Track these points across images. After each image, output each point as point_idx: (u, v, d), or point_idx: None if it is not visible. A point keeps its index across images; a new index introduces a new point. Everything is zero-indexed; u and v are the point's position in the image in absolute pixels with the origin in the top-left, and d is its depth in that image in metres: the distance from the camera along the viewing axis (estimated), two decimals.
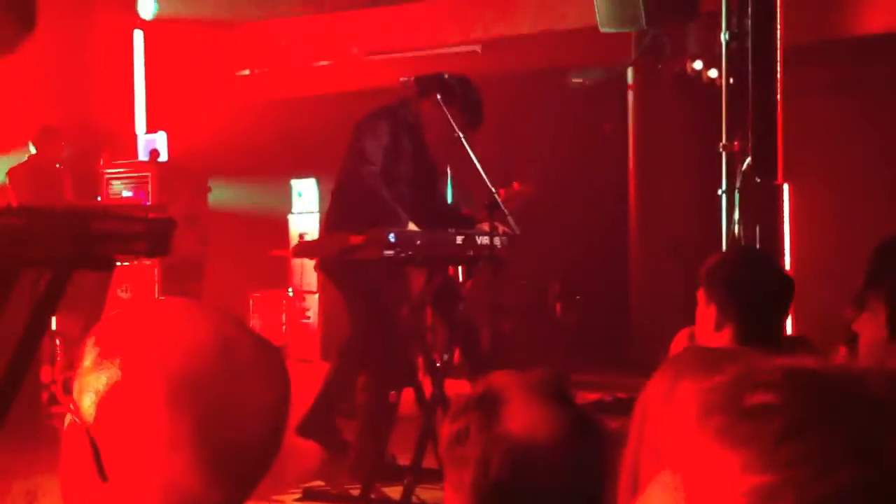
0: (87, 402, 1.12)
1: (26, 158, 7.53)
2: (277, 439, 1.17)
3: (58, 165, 7.63)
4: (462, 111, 4.81)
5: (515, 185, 5.14)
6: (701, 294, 2.81)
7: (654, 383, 1.90)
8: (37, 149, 7.53)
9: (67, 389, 1.17)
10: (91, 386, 1.12)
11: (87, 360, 1.13)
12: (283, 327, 9.23)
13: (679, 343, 3.03)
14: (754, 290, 2.78)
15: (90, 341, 1.15)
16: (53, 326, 6.96)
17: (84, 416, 1.12)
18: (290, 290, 9.27)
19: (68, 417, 1.15)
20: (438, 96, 4.78)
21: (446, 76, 4.98)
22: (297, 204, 9.20)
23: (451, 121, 4.72)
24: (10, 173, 7.44)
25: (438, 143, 4.98)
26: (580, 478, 1.46)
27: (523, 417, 1.45)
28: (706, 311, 2.77)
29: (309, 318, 9.06)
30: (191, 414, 1.08)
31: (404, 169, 4.95)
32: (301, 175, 9.10)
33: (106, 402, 1.11)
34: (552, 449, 1.44)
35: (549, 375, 1.56)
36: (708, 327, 2.76)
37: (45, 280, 2.91)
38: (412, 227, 4.65)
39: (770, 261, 3.36)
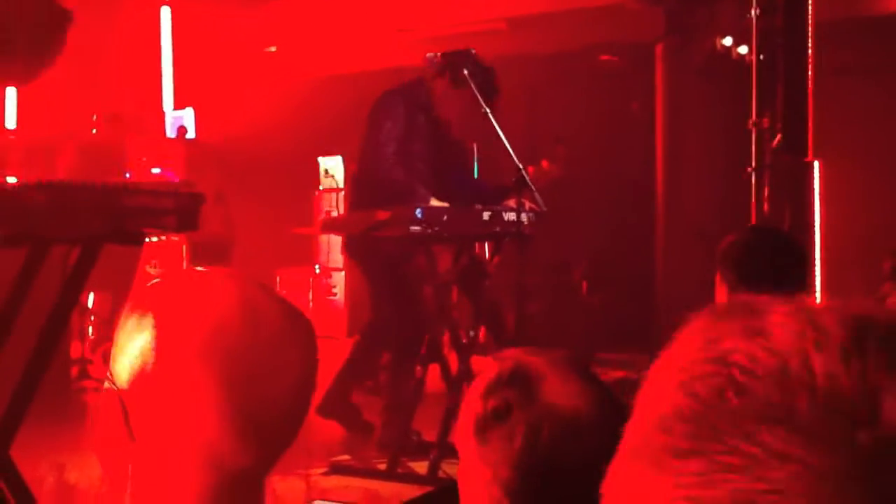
0: (122, 368, 1.16)
1: (81, 140, 7.57)
2: (305, 405, 1.20)
3: (115, 151, 7.69)
4: (476, 90, 4.82)
5: (544, 163, 5.15)
6: (719, 275, 2.82)
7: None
8: (97, 131, 7.58)
9: (106, 358, 1.20)
10: (125, 352, 1.16)
11: (124, 328, 1.17)
12: (310, 304, 9.27)
13: None
14: (760, 265, 2.77)
15: (126, 310, 1.18)
16: (89, 304, 7.03)
17: (118, 381, 1.16)
18: (316, 267, 9.30)
19: (106, 384, 1.17)
20: (448, 79, 4.85)
21: (473, 52, 4.96)
22: (325, 181, 9.22)
23: (479, 97, 4.71)
24: (65, 154, 7.48)
25: (463, 119, 4.99)
26: (613, 451, 1.47)
27: (564, 392, 1.47)
28: (721, 292, 2.78)
29: (335, 294, 9.10)
30: (220, 378, 1.11)
31: (420, 147, 4.96)
32: (328, 152, 9.12)
33: (139, 367, 1.14)
34: (596, 421, 1.45)
35: (571, 354, 1.58)
36: None
37: (75, 255, 2.94)
38: (435, 203, 4.66)
39: (779, 235, 3.33)
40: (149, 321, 1.14)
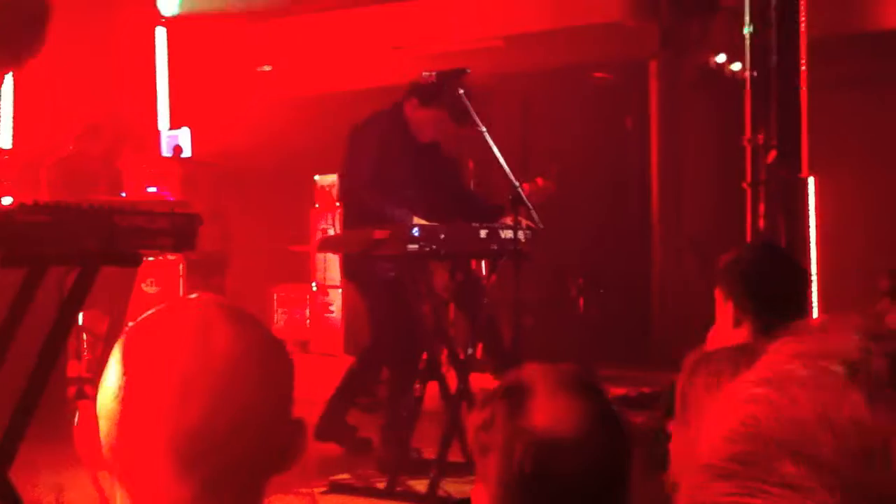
0: (99, 390, 1.17)
1: (63, 153, 7.56)
2: (265, 434, 1.15)
3: (96, 163, 7.67)
4: (445, 110, 4.89)
5: (539, 180, 5.16)
6: (718, 292, 2.81)
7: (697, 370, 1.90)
8: (77, 145, 7.57)
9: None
10: (104, 376, 1.17)
11: (107, 369, 1.18)
12: (307, 322, 9.26)
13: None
14: (770, 284, 2.78)
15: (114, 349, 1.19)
16: (80, 322, 7.00)
17: (97, 402, 1.17)
18: (313, 284, 9.30)
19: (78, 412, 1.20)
20: (417, 100, 4.94)
21: (468, 71, 4.99)
22: (320, 199, 9.23)
23: (474, 116, 4.74)
24: (46, 169, 7.47)
25: (458, 137, 5.05)
26: (603, 471, 1.47)
27: (548, 410, 1.47)
28: (724, 308, 2.77)
29: (332, 312, 9.09)
30: (159, 395, 1.11)
31: (400, 170, 5.00)
32: (324, 170, 9.12)
33: (107, 388, 1.15)
34: (576, 442, 1.45)
35: (577, 368, 1.58)
36: (726, 324, 2.76)
37: (73, 276, 2.94)
38: (418, 222, 4.69)
39: (784, 255, 3.36)
40: (117, 352, 1.16)
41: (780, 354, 0.61)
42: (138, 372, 1.13)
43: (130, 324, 1.23)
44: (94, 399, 1.17)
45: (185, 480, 1.12)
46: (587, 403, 1.49)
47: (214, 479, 1.13)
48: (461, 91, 4.80)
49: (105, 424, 1.14)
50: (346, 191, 5.29)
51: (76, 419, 1.19)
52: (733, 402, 0.60)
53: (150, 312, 1.21)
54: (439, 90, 4.88)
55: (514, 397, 1.49)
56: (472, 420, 1.54)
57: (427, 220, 4.73)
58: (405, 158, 5.03)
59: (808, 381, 0.57)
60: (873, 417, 0.54)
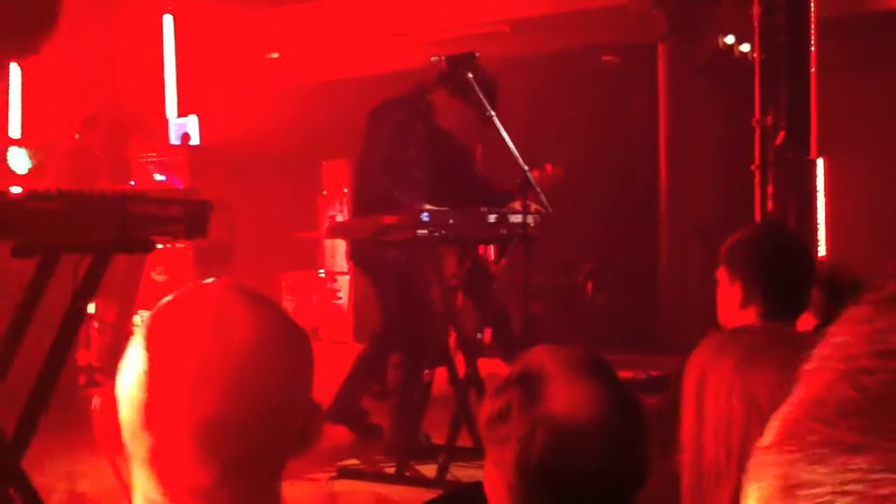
0: (119, 381, 1.17)
1: (68, 145, 7.58)
2: (283, 417, 1.16)
3: (96, 152, 7.69)
4: (471, 103, 4.85)
5: (548, 166, 5.15)
6: (722, 273, 2.80)
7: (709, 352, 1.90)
8: (79, 135, 7.59)
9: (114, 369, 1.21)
10: (123, 367, 1.17)
11: (127, 354, 1.19)
12: (315, 309, 9.27)
13: None
14: (779, 265, 2.77)
15: (134, 336, 1.19)
16: (91, 310, 7.02)
17: (118, 394, 1.17)
18: (321, 271, 9.31)
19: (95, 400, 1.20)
20: (447, 90, 4.90)
21: (477, 55, 4.97)
22: (328, 185, 9.24)
23: (484, 102, 4.73)
24: (51, 158, 7.49)
25: (466, 122, 5.02)
26: (622, 456, 1.47)
27: (566, 396, 1.46)
28: (729, 290, 2.76)
29: (340, 298, 9.11)
30: (177, 385, 1.11)
31: (416, 156, 4.98)
32: (331, 157, 9.13)
33: (127, 379, 1.16)
34: (595, 428, 1.45)
35: (587, 351, 1.57)
36: (732, 305, 2.75)
37: (85, 264, 2.94)
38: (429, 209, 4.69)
39: (793, 235, 3.34)
40: (139, 338, 1.16)
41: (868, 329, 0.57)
42: (161, 357, 1.13)
43: (151, 309, 1.23)
44: (110, 385, 1.17)
45: (207, 465, 1.12)
46: (602, 387, 1.48)
47: (235, 464, 1.14)
48: (470, 75, 4.78)
49: (127, 409, 1.15)
50: (358, 174, 5.27)
51: (95, 404, 1.19)
52: (830, 377, 0.56)
53: (171, 297, 1.21)
54: (469, 81, 4.85)
55: (529, 385, 1.48)
56: (486, 409, 1.53)
57: (438, 205, 4.72)
58: (421, 144, 5.02)
59: None
60: None
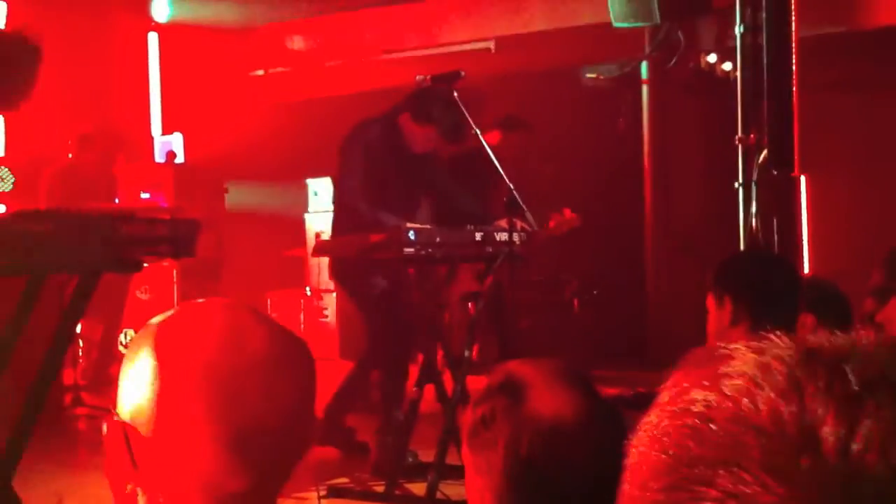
0: (122, 396, 1.19)
1: (61, 163, 7.57)
2: (302, 428, 1.21)
3: (91, 171, 7.68)
4: (437, 129, 4.90)
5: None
6: (710, 299, 2.82)
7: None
8: (73, 154, 7.58)
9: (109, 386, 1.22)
10: (125, 381, 1.19)
11: (127, 364, 1.20)
12: (301, 326, 9.26)
13: None
14: (766, 279, 2.80)
15: (130, 345, 1.21)
16: (77, 329, 7.00)
17: (121, 413, 1.19)
18: (307, 289, 9.31)
19: (109, 420, 1.20)
20: (410, 114, 4.96)
21: (463, 74, 5.00)
22: (314, 203, 9.24)
23: (469, 120, 4.76)
24: (45, 177, 7.48)
25: (436, 146, 5.10)
26: (606, 456, 1.51)
27: (549, 400, 1.51)
28: (718, 314, 2.78)
29: (327, 316, 9.11)
30: (206, 401, 1.14)
31: (389, 177, 5.01)
32: (317, 174, 9.14)
33: (136, 395, 1.17)
34: (580, 429, 1.49)
35: (565, 363, 1.62)
36: (722, 326, 2.77)
37: (73, 284, 2.95)
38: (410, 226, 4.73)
39: (781, 259, 3.40)
40: (144, 352, 1.17)
41: (683, 384, 0.62)
42: (179, 378, 1.15)
43: (146, 328, 1.24)
44: (95, 408, 1.19)
45: (243, 474, 1.15)
46: (582, 392, 1.54)
47: (269, 471, 1.18)
48: (455, 94, 4.80)
49: (143, 428, 1.16)
50: (337, 197, 5.31)
51: (104, 431, 1.21)
52: (649, 437, 0.61)
53: (171, 317, 1.22)
54: (432, 106, 4.89)
55: (512, 391, 1.53)
56: (469, 417, 1.57)
57: (422, 223, 4.76)
58: (394, 165, 5.04)
59: (718, 396, 0.58)
60: (789, 411, 0.55)
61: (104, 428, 1.21)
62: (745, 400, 0.57)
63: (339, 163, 5.14)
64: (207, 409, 1.13)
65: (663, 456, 0.59)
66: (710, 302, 2.82)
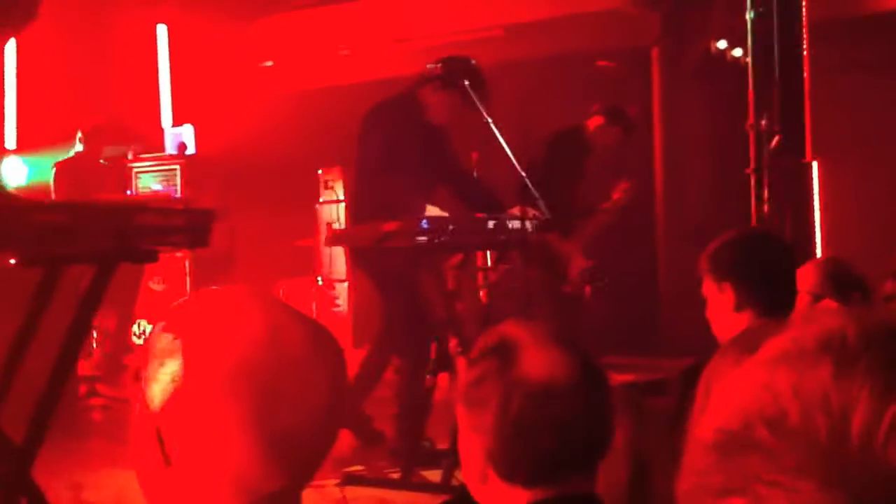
0: (155, 392, 1.16)
1: (72, 154, 7.58)
2: (334, 424, 1.21)
3: (102, 161, 7.69)
4: (462, 97, 4.89)
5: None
6: (708, 284, 2.82)
7: (719, 358, 1.96)
8: (84, 145, 7.59)
9: (137, 377, 1.21)
10: (157, 377, 1.17)
11: (154, 352, 1.18)
12: (314, 316, 9.27)
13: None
14: (765, 259, 2.80)
15: (156, 331, 1.19)
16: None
17: (151, 405, 1.16)
18: (319, 278, 9.32)
19: (137, 406, 1.19)
20: (435, 84, 4.97)
21: (473, 62, 5.01)
22: (325, 193, 9.25)
23: (479, 106, 4.75)
24: (56, 168, 7.50)
25: (458, 114, 5.09)
26: (593, 416, 1.57)
27: (539, 361, 1.55)
28: (720, 298, 2.78)
29: (339, 305, 9.12)
30: (246, 402, 1.12)
31: (412, 156, 5.01)
32: (327, 164, 9.14)
33: (170, 392, 1.15)
34: (568, 389, 1.54)
35: (555, 325, 1.68)
36: (725, 312, 2.77)
37: (89, 275, 2.96)
38: (433, 211, 4.71)
39: (769, 235, 3.39)
40: (177, 345, 1.16)
41: (771, 343, 0.65)
42: (213, 374, 1.14)
43: (178, 311, 1.22)
44: (110, 398, 1.18)
45: (280, 473, 1.15)
46: (573, 356, 1.58)
47: (304, 470, 1.19)
48: (466, 82, 4.81)
49: (177, 426, 1.15)
50: (356, 178, 5.24)
51: (133, 432, 1.20)
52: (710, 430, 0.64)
53: (205, 308, 1.21)
54: (456, 74, 4.91)
55: (504, 352, 1.57)
56: (463, 377, 1.63)
57: (434, 203, 4.77)
58: (415, 142, 5.06)
59: (785, 358, 0.61)
60: (837, 389, 0.57)
61: (132, 421, 1.20)
62: (804, 370, 0.60)
63: (360, 143, 5.11)
64: (243, 409, 1.12)
65: (720, 443, 0.62)
66: (709, 288, 2.82)
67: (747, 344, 1.60)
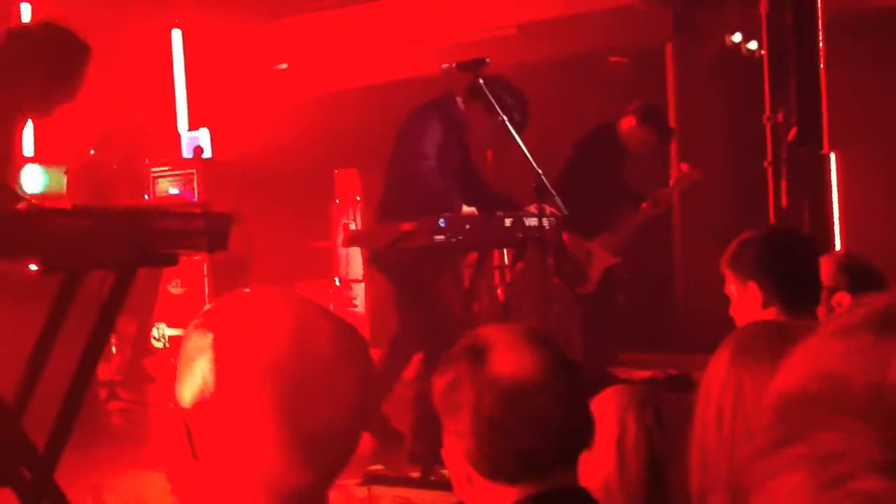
0: (185, 389, 1.18)
1: (83, 161, 7.63)
2: (361, 423, 1.22)
3: (115, 167, 7.73)
4: (499, 119, 4.87)
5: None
6: (732, 282, 2.81)
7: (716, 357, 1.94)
8: (96, 152, 7.64)
9: (171, 377, 1.22)
10: (187, 374, 1.18)
11: (185, 350, 1.20)
12: None
13: None
14: (789, 256, 2.80)
15: (189, 330, 1.21)
16: None
17: (181, 401, 1.18)
18: (336, 279, 9.34)
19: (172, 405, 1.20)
20: (480, 104, 4.93)
21: (487, 61, 4.99)
22: (341, 194, 9.27)
23: (496, 105, 4.74)
24: (70, 174, 7.54)
25: (486, 135, 5.13)
26: (568, 412, 1.58)
27: (509, 360, 1.57)
28: (745, 296, 2.78)
29: (356, 306, 9.14)
30: (276, 402, 1.13)
31: (454, 162, 5.04)
32: (343, 165, 9.17)
33: (200, 389, 1.16)
34: (539, 387, 1.55)
35: (531, 325, 1.70)
36: (751, 308, 2.76)
37: (111, 280, 2.98)
38: (467, 210, 4.74)
39: (792, 232, 3.38)
40: (208, 343, 1.17)
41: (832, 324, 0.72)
42: (244, 373, 1.15)
43: (209, 311, 1.23)
44: (131, 402, 1.20)
45: (307, 471, 1.16)
46: (545, 352, 1.59)
47: (332, 469, 1.20)
48: (481, 81, 4.80)
49: (206, 423, 1.16)
50: (401, 178, 5.11)
51: (161, 431, 1.22)
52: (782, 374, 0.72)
53: (235, 307, 1.22)
54: (506, 98, 4.88)
55: (475, 354, 1.60)
56: (437, 383, 1.65)
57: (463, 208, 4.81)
58: (458, 145, 5.10)
59: (836, 332, 0.70)
60: (877, 350, 0.66)
61: (163, 417, 1.21)
62: (868, 353, 0.66)
63: (406, 144, 5.07)
64: (273, 406, 1.13)
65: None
66: (733, 287, 2.82)
67: (739, 343, 1.60)
